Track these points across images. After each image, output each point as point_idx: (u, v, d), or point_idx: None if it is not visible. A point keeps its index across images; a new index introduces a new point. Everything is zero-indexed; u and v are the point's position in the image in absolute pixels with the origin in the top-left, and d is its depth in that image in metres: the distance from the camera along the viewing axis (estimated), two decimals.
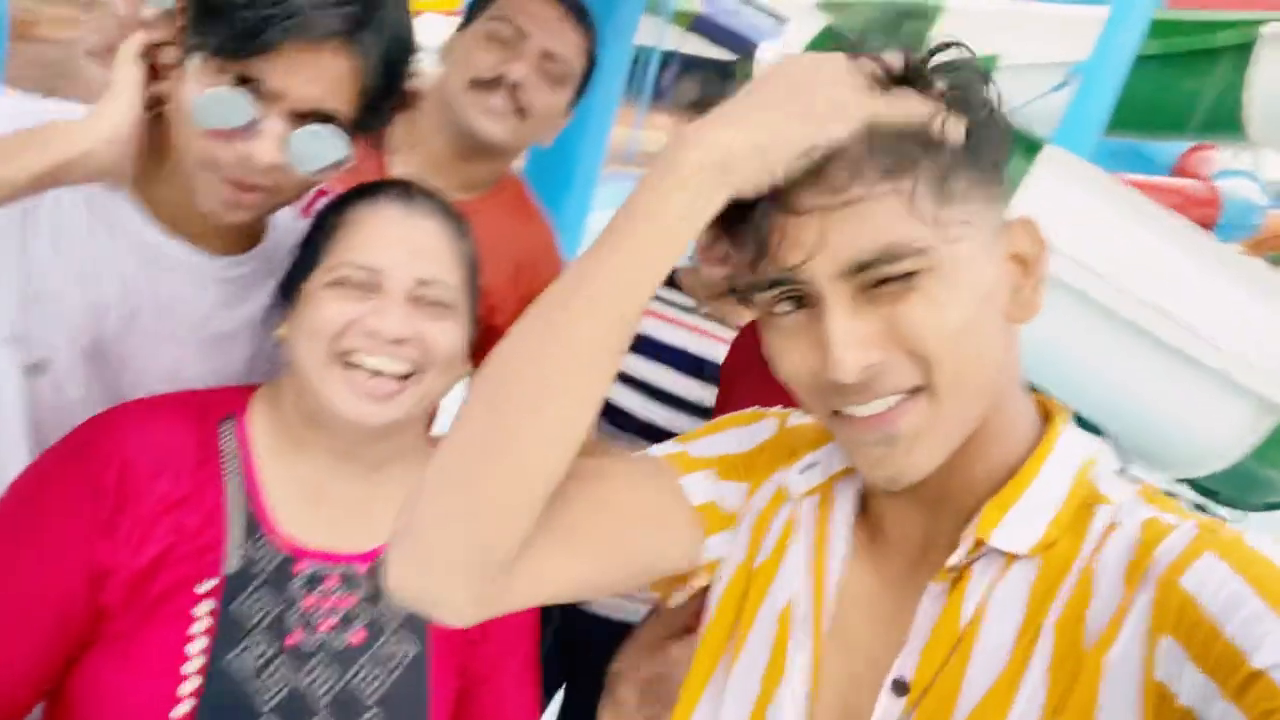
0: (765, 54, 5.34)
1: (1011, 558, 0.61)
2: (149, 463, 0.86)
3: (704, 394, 1.54)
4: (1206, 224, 6.69)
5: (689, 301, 1.58)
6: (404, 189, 0.95)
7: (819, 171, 0.57)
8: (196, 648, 0.84)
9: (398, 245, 0.90)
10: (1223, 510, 5.21)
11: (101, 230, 0.94)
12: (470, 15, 1.39)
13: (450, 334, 0.92)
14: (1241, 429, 3.95)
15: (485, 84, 1.32)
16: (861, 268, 0.57)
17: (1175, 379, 4.17)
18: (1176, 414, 4.34)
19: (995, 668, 0.59)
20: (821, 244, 0.57)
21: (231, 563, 0.87)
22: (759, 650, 0.69)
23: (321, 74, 0.84)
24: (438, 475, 0.61)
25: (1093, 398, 4.52)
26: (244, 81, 0.83)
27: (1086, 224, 3.77)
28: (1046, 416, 0.67)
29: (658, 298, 1.47)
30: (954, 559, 0.61)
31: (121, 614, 0.84)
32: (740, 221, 0.60)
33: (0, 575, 0.83)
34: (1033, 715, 0.56)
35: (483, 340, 0.90)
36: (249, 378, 1.03)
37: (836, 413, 0.61)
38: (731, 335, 1.49)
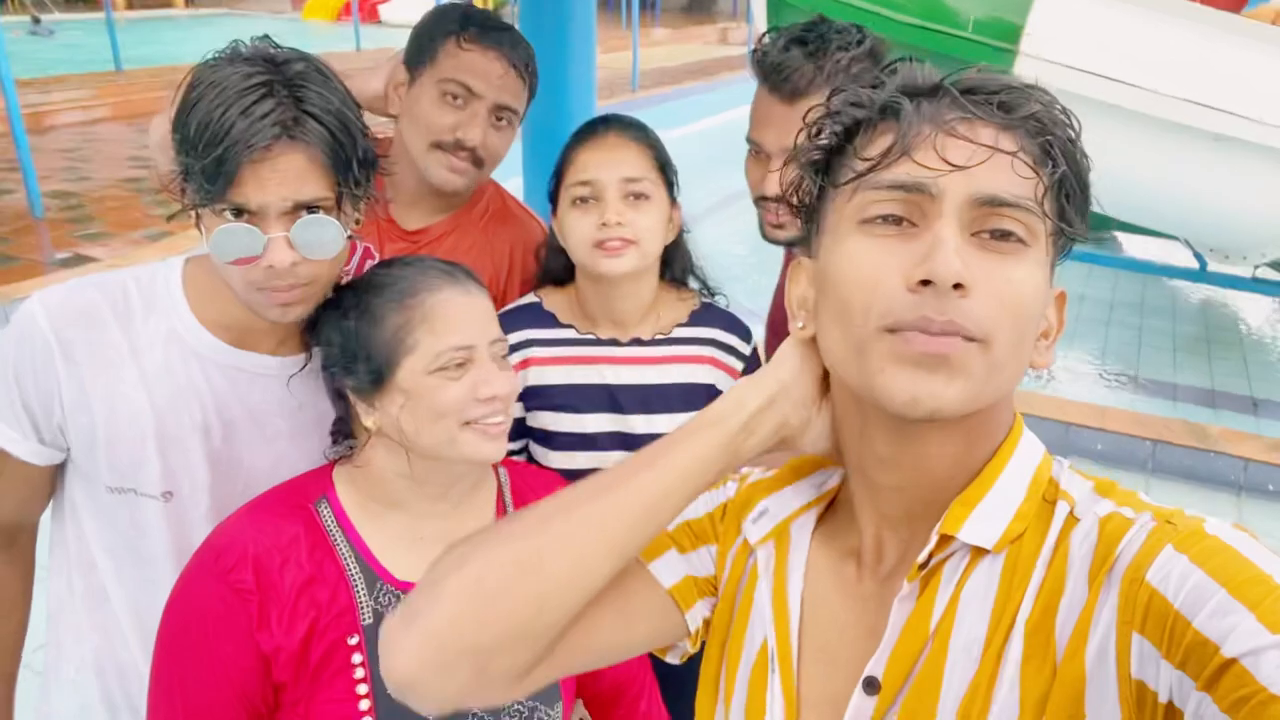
0: None
1: (979, 553, 0.63)
2: (274, 557, 1.00)
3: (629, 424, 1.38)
4: (1238, 4, 6.28)
5: (582, 332, 1.41)
6: (441, 270, 1.08)
7: (990, 110, 0.62)
8: (362, 691, 1.00)
9: (474, 321, 1.06)
10: None
11: (181, 363, 1.08)
12: (413, 60, 1.47)
13: (513, 375, 1.11)
14: None
15: (445, 146, 1.44)
16: (996, 204, 0.60)
17: (1233, 166, 4.05)
18: (1241, 199, 4.22)
19: (971, 665, 0.61)
20: (966, 171, 0.60)
21: (366, 616, 1.02)
22: (741, 693, 0.74)
23: (285, 174, 0.95)
24: (469, 584, 0.65)
25: (1159, 208, 4.41)
26: (239, 212, 0.96)
27: (1109, 36, 3.64)
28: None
29: (555, 341, 1.40)
30: (922, 555, 0.64)
31: (293, 685, 0.99)
32: (893, 115, 0.64)
33: (191, 679, 0.99)
34: (1010, 714, 0.59)
35: None
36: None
37: (891, 330, 0.60)
38: (627, 352, 1.39)
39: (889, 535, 0.70)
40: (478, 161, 1.46)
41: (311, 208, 0.97)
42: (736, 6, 24.02)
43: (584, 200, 1.31)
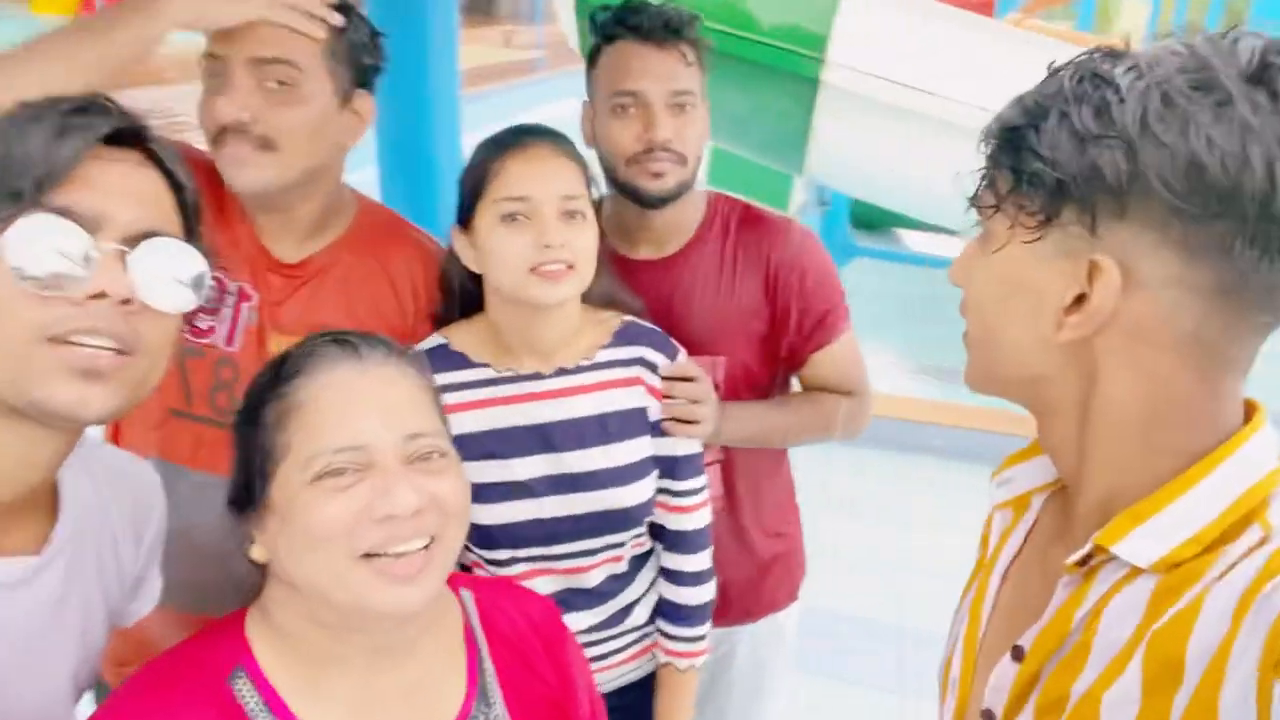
0: None
1: (1136, 569, 0.62)
2: None
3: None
4: (986, 3, 6.89)
5: (500, 369, 1.25)
6: (339, 341, 0.82)
7: None
8: None
9: (372, 410, 0.79)
10: None
11: None
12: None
13: (459, 479, 0.83)
14: None
15: (218, 138, 1.15)
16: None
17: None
18: None
19: (1104, 662, 0.62)
20: None
21: None
22: (948, 641, 0.83)
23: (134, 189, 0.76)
24: None
25: (950, 205, 4.71)
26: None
27: (898, 44, 3.82)
28: (1249, 417, 0.65)
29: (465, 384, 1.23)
30: (1073, 557, 0.65)
31: None
32: None
33: None
34: (1122, 716, 0.59)
35: None
36: (76, 691, 0.87)
37: None
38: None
39: (1085, 523, 0.69)
40: (264, 144, 1.13)
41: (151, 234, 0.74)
42: (519, 8, 23.77)
43: (514, 217, 1.15)
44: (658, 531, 1.34)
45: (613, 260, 1.43)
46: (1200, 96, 0.55)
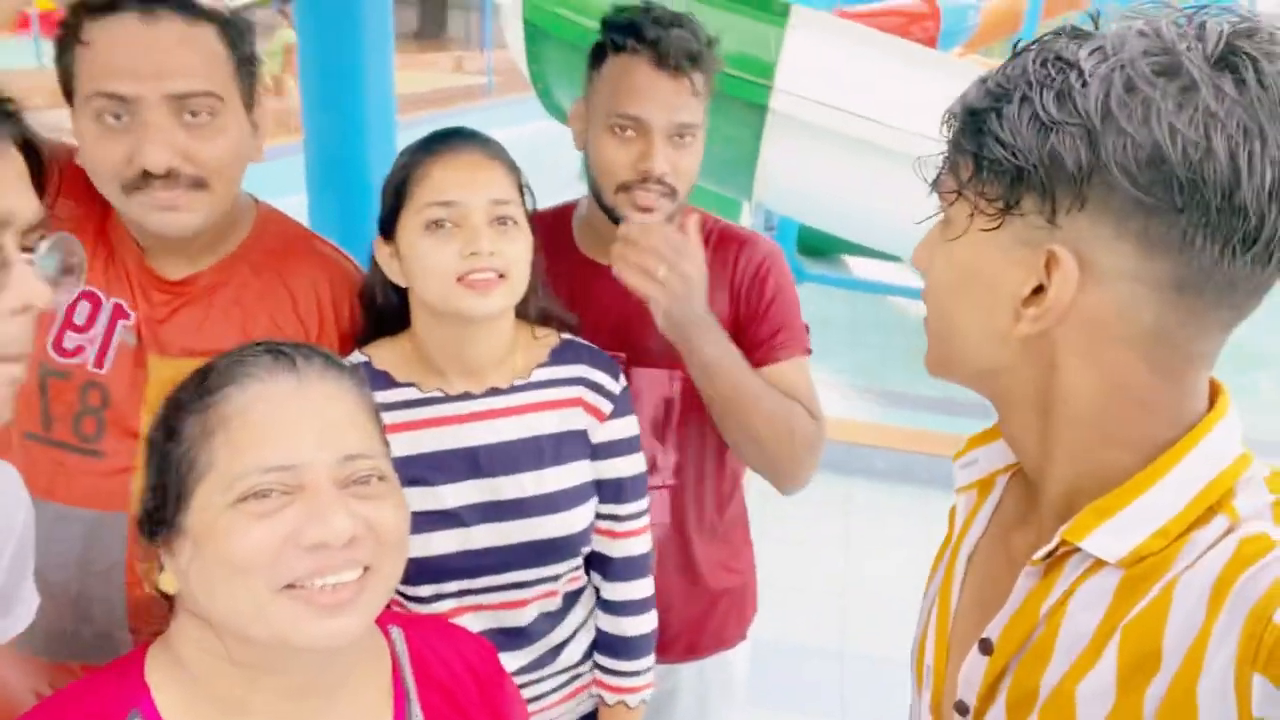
0: None
1: (1102, 561, 0.61)
2: None
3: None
4: (930, 38, 7.07)
5: (426, 390, 1.18)
6: (273, 351, 0.75)
7: None
8: None
9: (306, 427, 0.72)
10: None
11: None
12: (66, 83, 1.05)
13: (400, 507, 0.76)
14: None
15: (136, 183, 1.02)
16: None
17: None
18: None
19: (1073, 654, 0.62)
20: None
21: None
22: (919, 624, 0.83)
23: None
24: None
25: (891, 230, 4.77)
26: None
27: (844, 73, 3.88)
28: (1213, 400, 0.63)
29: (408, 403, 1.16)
30: (1039, 553, 0.64)
31: None
32: None
33: None
34: (1098, 708, 0.59)
35: None
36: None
37: None
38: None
39: (1049, 512, 0.69)
40: (196, 183, 1.03)
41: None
42: (470, 35, 23.79)
43: (440, 224, 1.07)
44: (598, 560, 1.27)
45: (578, 262, 1.38)
46: (1164, 82, 0.53)
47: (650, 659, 1.31)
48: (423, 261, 1.08)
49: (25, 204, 0.67)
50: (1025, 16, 8.89)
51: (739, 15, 3.83)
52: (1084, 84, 0.55)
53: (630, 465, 1.25)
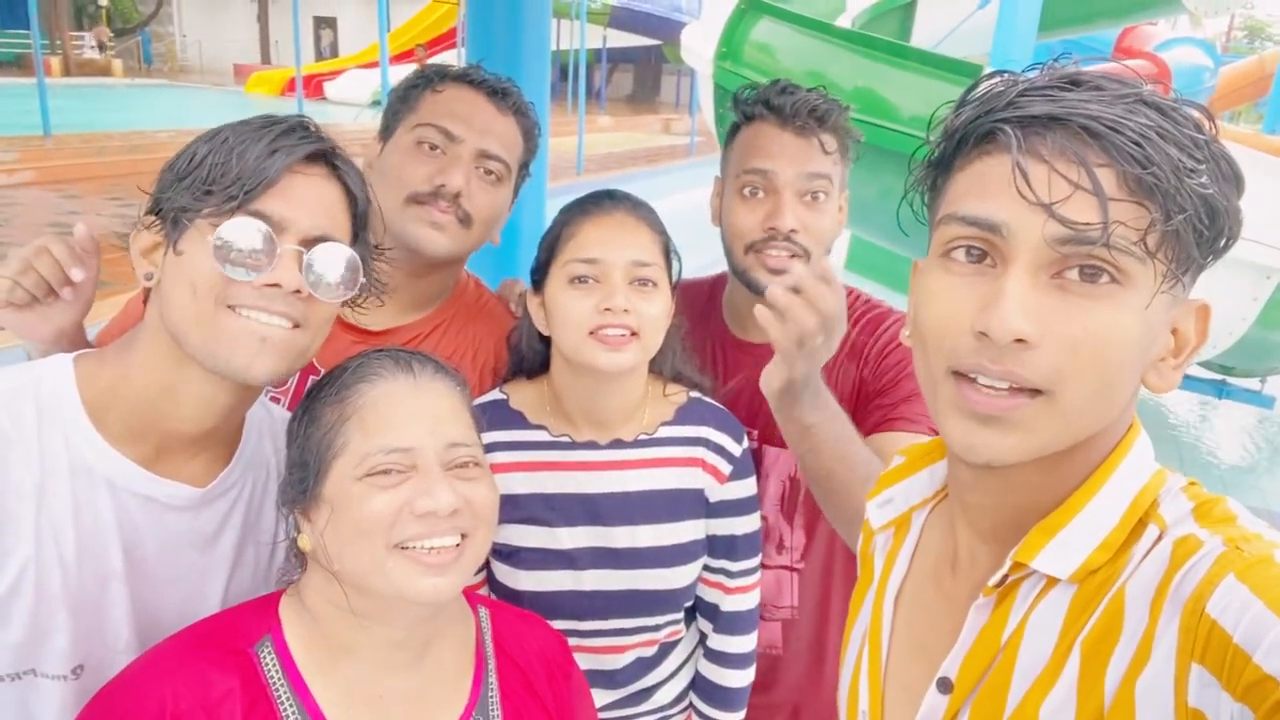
0: (689, 34, 5.25)
1: (1054, 580, 0.63)
2: (200, 717, 0.80)
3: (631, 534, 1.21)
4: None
5: (556, 434, 1.23)
6: (394, 357, 0.91)
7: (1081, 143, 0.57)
8: None
9: (420, 418, 0.87)
10: (1243, 382, 5.19)
11: (90, 497, 0.88)
12: (389, 124, 1.31)
13: (491, 488, 0.90)
14: (1243, 300, 3.96)
15: (423, 198, 1.24)
16: (1079, 242, 0.57)
17: None
18: None
19: (1033, 675, 0.63)
20: (1049, 208, 0.56)
21: None
22: (848, 669, 0.81)
23: (318, 196, 0.90)
24: None
25: None
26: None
27: None
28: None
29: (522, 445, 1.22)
30: (993, 579, 0.65)
31: None
32: (990, 147, 0.61)
33: None
34: None
35: None
36: (269, 581, 0.99)
37: (957, 373, 0.61)
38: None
39: (979, 545, 0.70)
40: (464, 218, 1.25)
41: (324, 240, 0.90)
42: (680, 98, 24.72)
43: (583, 280, 1.13)
44: (707, 610, 1.29)
45: (720, 333, 1.41)
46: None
47: (743, 712, 1.32)
48: (562, 313, 1.14)
49: (305, 218, 0.87)
50: (1274, 79, 8.10)
51: (932, 79, 3.81)
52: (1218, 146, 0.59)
53: (746, 524, 1.26)
